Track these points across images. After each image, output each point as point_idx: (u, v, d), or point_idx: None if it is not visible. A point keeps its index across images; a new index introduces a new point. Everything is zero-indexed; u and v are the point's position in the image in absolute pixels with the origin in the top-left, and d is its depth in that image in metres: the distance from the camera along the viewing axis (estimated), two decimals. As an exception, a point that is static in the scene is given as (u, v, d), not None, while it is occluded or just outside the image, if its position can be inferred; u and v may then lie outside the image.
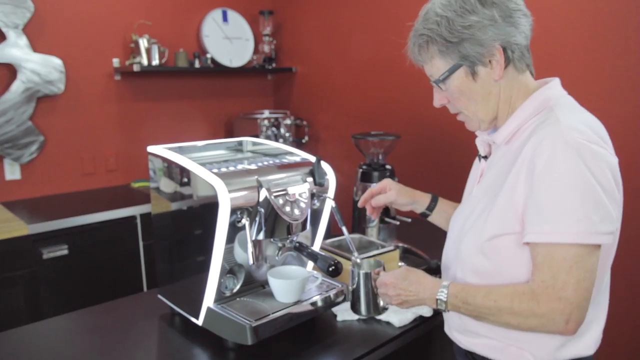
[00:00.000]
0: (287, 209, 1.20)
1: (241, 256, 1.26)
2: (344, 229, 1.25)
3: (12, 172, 2.67)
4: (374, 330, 1.34)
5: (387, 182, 1.39)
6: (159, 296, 1.43)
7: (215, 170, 1.19)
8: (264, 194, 1.19)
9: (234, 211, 1.16)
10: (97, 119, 2.92)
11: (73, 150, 2.84)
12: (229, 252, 1.22)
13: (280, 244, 1.26)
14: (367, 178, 1.82)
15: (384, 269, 1.21)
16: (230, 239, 1.20)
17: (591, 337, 1.07)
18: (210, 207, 1.17)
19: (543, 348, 1.05)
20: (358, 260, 1.25)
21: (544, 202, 0.97)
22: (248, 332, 1.14)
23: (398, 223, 1.77)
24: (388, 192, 1.37)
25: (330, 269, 1.13)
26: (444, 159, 2.61)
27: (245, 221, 1.17)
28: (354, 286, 1.21)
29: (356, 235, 1.72)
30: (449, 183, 1.43)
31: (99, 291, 2.40)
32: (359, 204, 1.39)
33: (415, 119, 2.67)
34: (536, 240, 0.98)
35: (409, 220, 1.79)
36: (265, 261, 1.32)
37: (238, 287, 1.28)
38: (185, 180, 1.26)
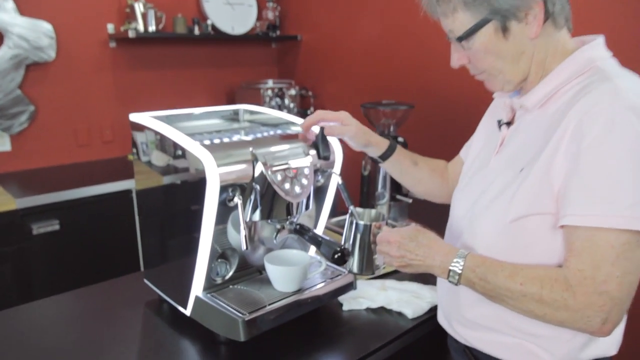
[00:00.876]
0: (287, 186, 1.03)
1: (234, 239, 1.09)
2: (351, 208, 1.08)
3: (2, 144, 2.50)
4: (384, 322, 1.17)
5: (345, 114, 1.15)
6: (146, 281, 1.27)
7: (205, 142, 1.02)
8: (259, 168, 1.01)
9: (224, 188, 0.99)
10: (92, 88, 2.74)
11: (66, 120, 2.67)
12: (220, 234, 1.05)
13: (278, 226, 1.09)
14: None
15: (386, 224, 1.06)
16: (222, 220, 1.03)
17: (615, 334, 0.92)
18: (197, 184, 0.99)
19: (564, 347, 0.90)
20: (358, 210, 1.09)
21: (593, 178, 0.80)
22: (241, 326, 0.99)
23: (410, 201, 1.60)
24: (346, 126, 1.14)
25: (336, 256, 0.96)
26: (462, 130, 2.40)
27: (237, 200, 0.99)
28: (349, 239, 1.05)
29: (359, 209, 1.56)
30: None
31: (92, 269, 2.26)
32: (302, 125, 1.14)
33: (430, 87, 2.46)
34: (580, 224, 0.81)
35: (410, 200, 1.62)
36: (262, 244, 1.15)
37: (231, 273, 1.12)
38: (170, 152, 1.09)
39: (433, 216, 1.75)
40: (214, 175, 0.96)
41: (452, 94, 2.31)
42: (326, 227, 1.41)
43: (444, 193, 1.25)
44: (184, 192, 1.08)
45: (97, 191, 2.29)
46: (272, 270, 1.08)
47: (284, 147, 1.08)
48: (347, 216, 1.07)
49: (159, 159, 1.15)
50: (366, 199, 1.69)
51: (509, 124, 1.03)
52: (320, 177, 1.16)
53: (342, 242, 1.08)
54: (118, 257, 2.36)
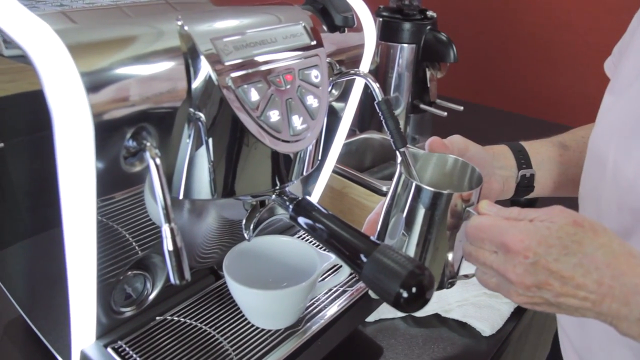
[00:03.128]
0: (274, 115, 0.42)
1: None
2: (404, 150, 0.49)
3: None
4: (441, 347, 0.64)
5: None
6: (1, 286, 0.67)
7: (54, 8, 0.38)
8: (204, 71, 0.39)
9: (110, 128, 0.36)
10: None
11: None
12: (124, 215, 0.45)
13: (253, 202, 0.50)
14: (390, 34, 1.01)
15: (478, 195, 0.47)
16: (123, 183, 0.43)
17: None
18: (41, 118, 0.37)
19: None
20: (418, 152, 0.51)
21: None
22: None
23: (445, 114, 1.02)
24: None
25: (404, 294, 0.38)
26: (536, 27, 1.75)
27: (148, 157, 0.38)
28: (397, 214, 0.47)
29: (375, 136, 0.97)
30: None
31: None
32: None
33: None
34: None
35: (461, 108, 1.04)
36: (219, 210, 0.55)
37: (154, 294, 0.53)
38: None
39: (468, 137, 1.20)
40: (75, 100, 0.34)
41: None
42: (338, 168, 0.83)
43: None
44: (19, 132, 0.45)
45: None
46: (244, 296, 0.50)
47: (258, 18, 0.44)
48: (398, 167, 0.49)
49: None
50: (369, 114, 1.09)
51: None
52: (332, 87, 0.55)
53: (382, 220, 0.50)
54: None
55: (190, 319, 0.54)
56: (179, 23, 0.39)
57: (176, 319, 0.54)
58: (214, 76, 0.38)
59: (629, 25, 0.54)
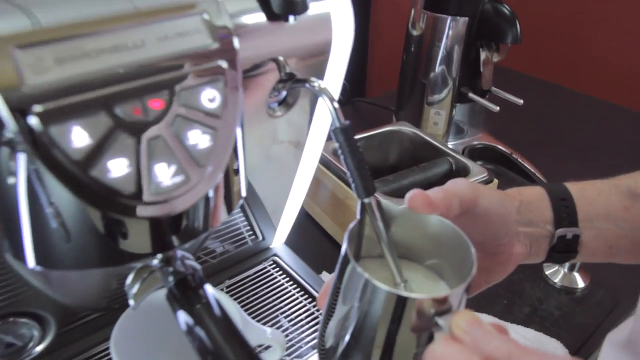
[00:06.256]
0: (117, 166, 0.27)
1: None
2: (365, 200, 0.32)
3: None
4: None
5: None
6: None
7: None
8: None
9: None
10: None
11: None
12: None
13: (137, 265, 0.36)
14: (437, 2, 0.80)
15: (466, 290, 0.29)
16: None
17: None
18: None
19: None
20: (389, 205, 0.34)
21: None
22: None
23: (497, 109, 0.80)
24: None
25: None
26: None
27: None
28: (345, 305, 0.31)
29: (406, 129, 0.79)
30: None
31: None
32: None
33: None
34: None
35: (521, 102, 0.82)
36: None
37: (45, 344, 0.42)
38: None
39: (522, 136, 0.99)
40: None
41: None
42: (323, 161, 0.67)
43: None
44: None
45: None
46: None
47: (126, 6, 0.29)
48: (345, 238, 0.32)
49: None
50: (408, 92, 0.90)
51: None
52: (282, 92, 0.39)
53: (326, 310, 0.34)
54: None
55: (85, 380, 0.43)
56: None
57: (70, 377, 0.43)
58: (4, 111, 0.24)
59: None
